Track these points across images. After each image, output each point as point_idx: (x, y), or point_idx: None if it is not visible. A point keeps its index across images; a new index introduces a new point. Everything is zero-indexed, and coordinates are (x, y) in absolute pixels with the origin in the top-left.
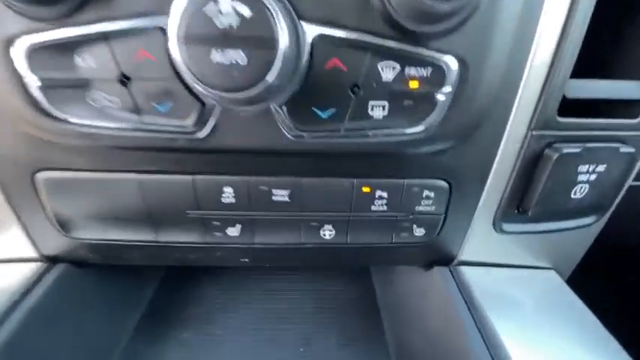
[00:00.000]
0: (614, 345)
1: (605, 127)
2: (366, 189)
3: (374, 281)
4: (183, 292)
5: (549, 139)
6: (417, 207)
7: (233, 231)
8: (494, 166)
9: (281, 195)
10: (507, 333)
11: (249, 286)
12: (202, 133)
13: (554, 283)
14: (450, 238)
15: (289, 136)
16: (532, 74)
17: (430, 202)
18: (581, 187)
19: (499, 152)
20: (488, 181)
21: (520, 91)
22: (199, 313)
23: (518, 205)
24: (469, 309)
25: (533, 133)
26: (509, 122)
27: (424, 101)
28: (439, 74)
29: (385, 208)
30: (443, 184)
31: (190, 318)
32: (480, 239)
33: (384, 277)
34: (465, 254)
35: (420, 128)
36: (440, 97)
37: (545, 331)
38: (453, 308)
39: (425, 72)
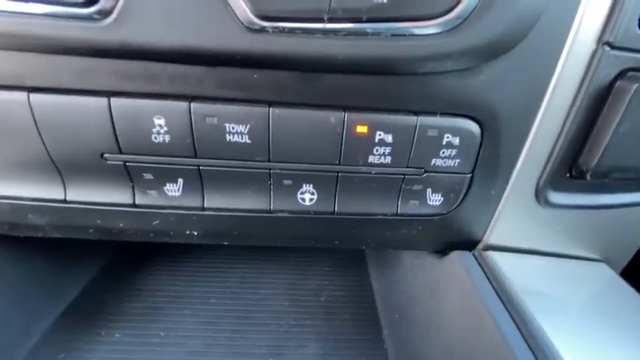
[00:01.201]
0: None
1: None
2: (361, 128)
3: (370, 272)
4: (125, 281)
5: (626, 64)
6: (433, 160)
7: (172, 188)
8: (546, 99)
9: (238, 132)
10: (556, 333)
11: (209, 275)
12: (107, 20)
13: (608, 276)
14: (476, 211)
15: (244, 27)
16: None
17: (453, 152)
18: None
19: (554, 78)
20: (535, 124)
21: None
22: (140, 308)
23: (572, 165)
24: (503, 303)
25: (606, 50)
26: (572, 30)
27: None
28: None
29: (389, 160)
30: (472, 125)
31: (127, 314)
32: (516, 215)
33: (383, 266)
34: (494, 236)
35: (437, 26)
36: None
37: (603, 333)
38: (483, 303)
39: None
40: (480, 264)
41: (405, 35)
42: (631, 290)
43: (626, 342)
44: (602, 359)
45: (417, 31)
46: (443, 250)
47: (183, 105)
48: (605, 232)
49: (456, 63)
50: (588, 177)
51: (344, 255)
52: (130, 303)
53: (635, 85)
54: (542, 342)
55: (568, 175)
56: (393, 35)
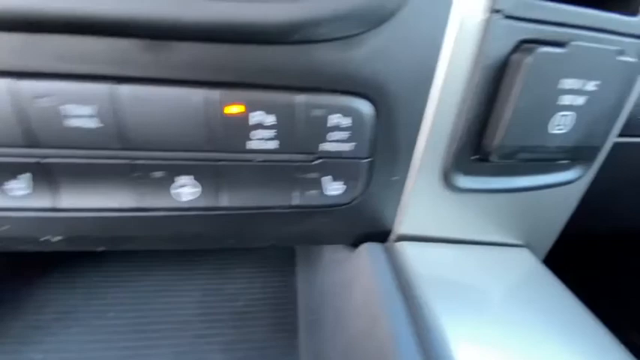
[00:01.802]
0: (609, 339)
1: (596, 25)
2: (232, 108)
3: (297, 272)
4: (8, 297)
5: (521, 35)
6: (323, 144)
7: (19, 186)
8: (441, 74)
9: (80, 115)
10: (457, 329)
11: (114, 285)
12: None
13: (526, 263)
14: (381, 199)
15: None
16: None
17: (345, 135)
18: (564, 116)
19: (444, 50)
20: (433, 102)
21: None
22: (20, 327)
23: (477, 146)
24: (405, 298)
25: (497, 19)
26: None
27: None
28: None
29: (274, 145)
30: (362, 103)
31: (2, 336)
32: (425, 202)
33: (308, 264)
34: (405, 225)
35: None
36: None
37: (509, 325)
38: (381, 299)
39: None
40: (387, 256)
41: None
42: (551, 277)
43: (536, 336)
44: (498, 356)
45: None
46: (355, 244)
47: (9, 80)
48: (524, 217)
49: (330, 30)
50: (493, 158)
51: (273, 254)
52: (9, 322)
53: (529, 58)
54: (436, 341)
55: (474, 157)
56: None
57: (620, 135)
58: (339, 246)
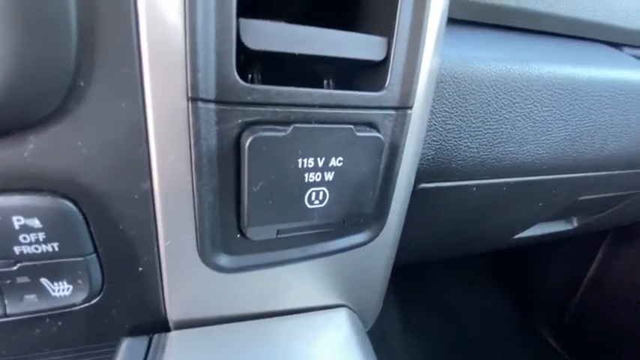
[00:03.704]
0: None
1: (331, 103)
2: None
3: None
4: None
5: (242, 119)
6: (16, 247)
7: None
8: (152, 162)
9: None
10: None
11: None
12: None
13: (343, 326)
14: (133, 290)
15: None
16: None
17: (40, 236)
18: (318, 191)
19: (150, 138)
20: (159, 191)
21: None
22: None
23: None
24: None
25: (201, 104)
26: (148, 87)
27: None
28: None
29: None
30: (56, 201)
31: None
32: (195, 285)
33: None
34: (180, 311)
35: None
36: None
37: None
38: None
39: None
40: (148, 351)
41: None
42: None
43: None
44: None
45: None
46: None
47: None
48: (340, 277)
49: None
50: (253, 237)
51: None
52: None
53: (250, 141)
54: None
55: (239, 235)
56: None
57: (423, 182)
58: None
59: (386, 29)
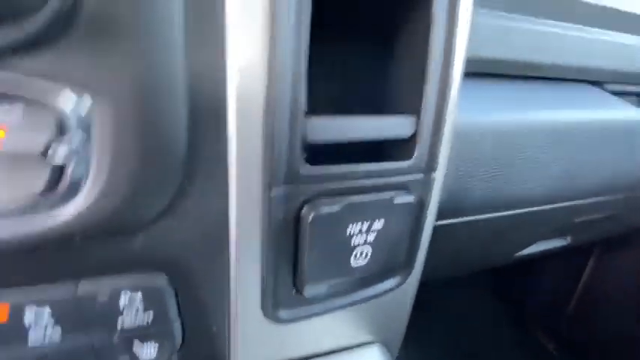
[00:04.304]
0: None
1: (372, 174)
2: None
3: None
4: None
5: (303, 196)
6: (121, 321)
7: None
8: (232, 240)
9: None
10: None
11: None
12: None
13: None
14: (205, 347)
15: None
16: (244, 109)
17: (140, 307)
18: (362, 251)
19: (231, 220)
20: (234, 263)
21: (231, 134)
22: None
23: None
24: None
25: (274, 191)
26: (233, 180)
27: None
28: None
29: (57, 338)
30: (157, 278)
31: None
32: (258, 337)
33: None
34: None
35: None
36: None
37: None
38: None
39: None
40: None
41: None
42: None
43: None
44: None
45: None
46: None
47: None
48: (369, 319)
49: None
50: (307, 294)
51: None
52: None
53: (312, 216)
54: None
55: (295, 291)
56: None
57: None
58: None
59: (412, 107)
